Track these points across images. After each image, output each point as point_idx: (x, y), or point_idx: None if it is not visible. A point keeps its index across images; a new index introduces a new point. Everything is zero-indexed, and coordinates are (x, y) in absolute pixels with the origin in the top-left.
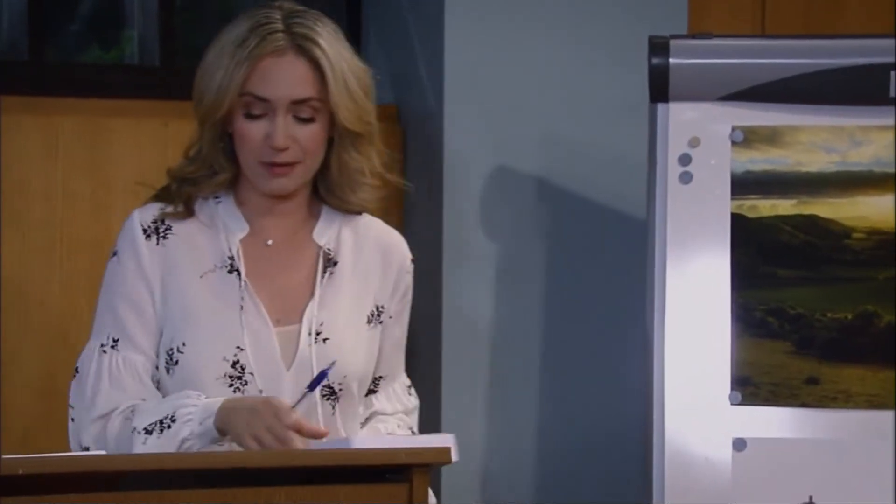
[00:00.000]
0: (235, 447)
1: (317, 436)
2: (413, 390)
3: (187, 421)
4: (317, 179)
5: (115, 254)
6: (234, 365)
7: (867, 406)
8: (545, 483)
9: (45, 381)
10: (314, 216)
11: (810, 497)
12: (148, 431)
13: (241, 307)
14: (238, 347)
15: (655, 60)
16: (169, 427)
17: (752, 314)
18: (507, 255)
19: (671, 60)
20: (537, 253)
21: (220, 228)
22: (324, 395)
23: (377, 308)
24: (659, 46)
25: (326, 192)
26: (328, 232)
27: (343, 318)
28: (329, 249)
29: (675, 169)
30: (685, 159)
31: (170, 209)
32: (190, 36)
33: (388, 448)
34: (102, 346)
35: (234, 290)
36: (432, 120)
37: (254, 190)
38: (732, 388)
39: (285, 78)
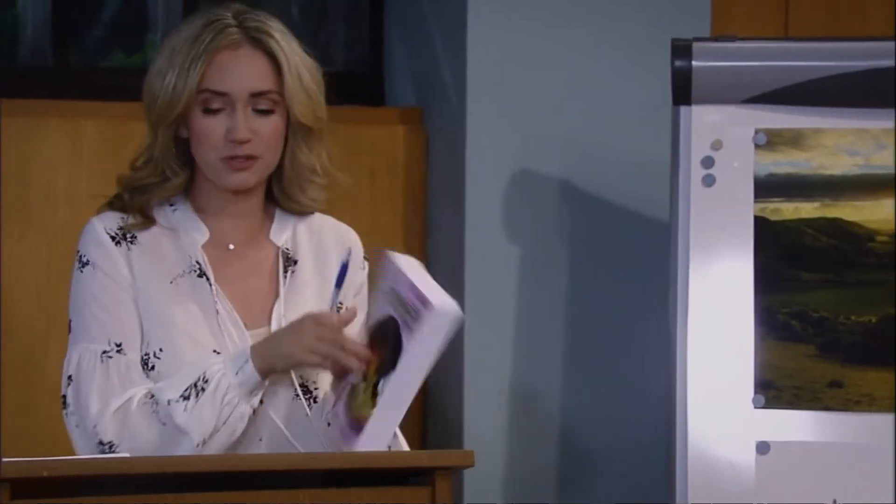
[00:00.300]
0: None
1: (358, 352)
2: None
3: (222, 375)
4: (270, 180)
5: (86, 263)
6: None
7: (890, 409)
8: (567, 485)
9: None
10: (269, 218)
11: (834, 501)
12: (185, 397)
13: (217, 311)
14: (214, 352)
15: (678, 63)
16: (203, 389)
17: (776, 317)
18: (529, 258)
19: (694, 63)
20: (560, 255)
21: (180, 234)
22: (297, 396)
23: (338, 305)
24: (682, 49)
25: (279, 192)
26: (285, 232)
27: None
28: (287, 249)
29: (697, 172)
30: (708, 162)
31: (130, 220)
32: None
33: (410, 452)
34: (105, 352)
35: (206, 294)
36: (455, 122)
37: (211, 193)
38: (756, 392)
39: (243, 71)
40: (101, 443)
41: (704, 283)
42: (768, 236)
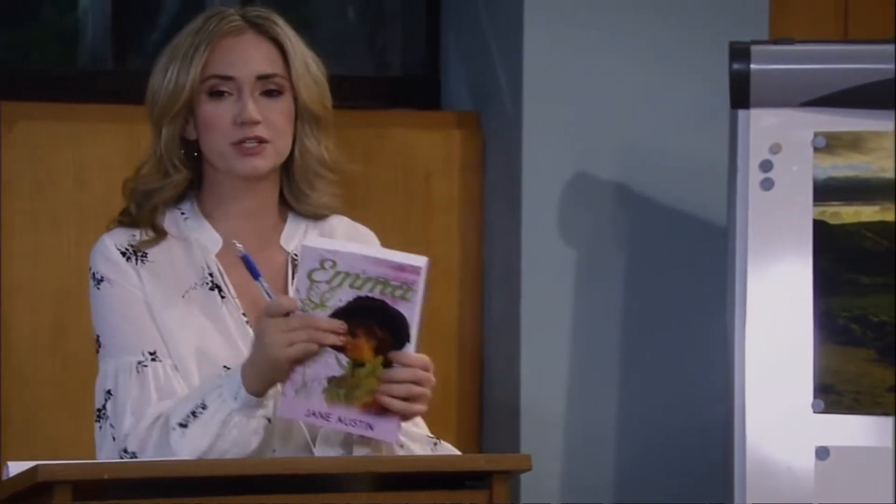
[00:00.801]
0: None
1: (332, 327)
2: None
3: (222, 402)
4: (282, 182)
5: (101, 279)
6: None
7: None
8: (624, 488)
9: None
10: (282, 221)
11: None
12: (182, 425)
13: (227, 326)
14: (224, 367)
15: (736, 66)
16: (202, 413)
17: (835, 321)
18: (586, 262)
19: (752, 66)
20: (617, 259)
21: (193, 244)
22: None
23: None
24: (740, 52)
25: (290, 191)
26: (296, 237)
27: None
28: (296, 255)
29: (756, 175)
30: (766, 165)
31: (141, 237)
32: None
33: (468, 456)
34: (140, 363)
35: (217, 308)
36: (511, 126)
37: (220, 191)
38: (815, 396)
39: (248, 54)
40: (125, 451)
41: (763, 287)
42: (827, 240)
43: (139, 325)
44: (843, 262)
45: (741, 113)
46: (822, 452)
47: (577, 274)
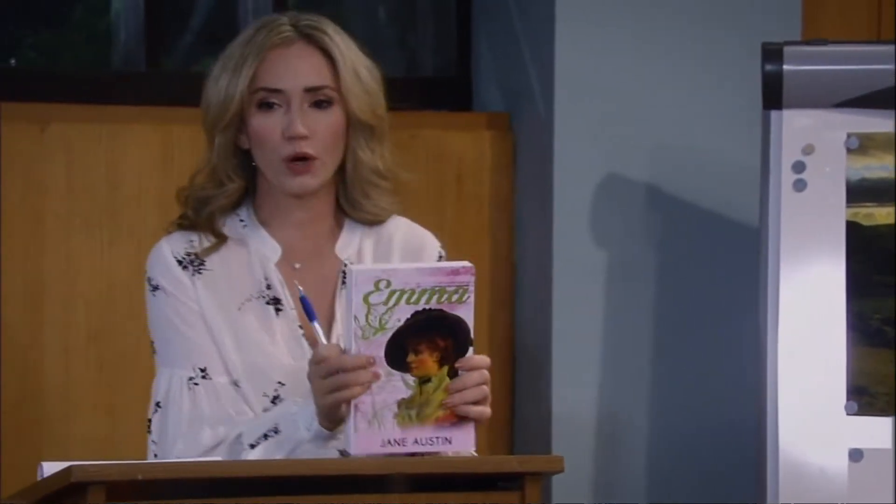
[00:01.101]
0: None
1: (358, 363)
2: None
3: (294, 430)
4: (338, 189)
5: (156, 287)
6: (273, 400)
7: None
8: (656, 489)
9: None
10: (338, 228)
11: None
12: (253, 446)
13: (281, 339)
14: (279, 383)
15: (769, 67)
16: (273, 436)
17: (868, 323)
18: (617, 263)
19: (785, 67)
20: (648, 261)
21: (251, 252)
22: None
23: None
24: (772, 53)
25: (345, 200)
26: (351, 245)
27: None
28: (346, 264)
29: (788, 176)
30: (799, 167)
31: (201, 243)
32: None
33: (500, 458)
34: (191, 378)
35: (272, 322)
36: (543, 128)
37: (274, 200)
38: (848, 398)
39: (297, 66)
40: None
41: (795, 288)
42: (860, 242)
43: (191, 338)
44: (876, 264)
45: (774, 114)
46: (855, 454)
47: (609, 274)
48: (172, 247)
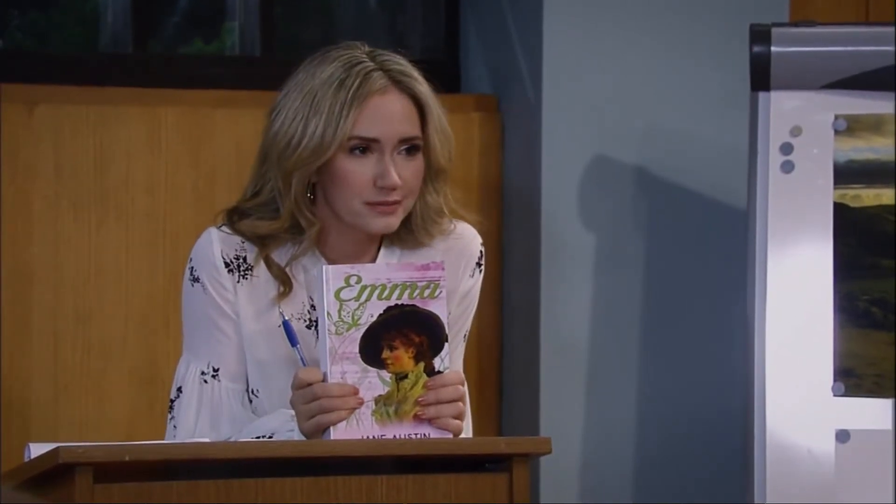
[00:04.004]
0: None
1: (344, 392)
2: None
3: (288, 437)
4: None
5: (196, 279)
6: None
7: None
8: (644, 472)
9: (149, 370)
10: (375, 252)
11: None
12: None
13: (317, 364)
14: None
15: (757, 49)
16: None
17: (856, 305)
18: (606, 247)
19: (773, 49)
20: (637, 244)
21: (301, 272)
22: None
23: None
24: (760, 34)
25: (405, 232)
26: (391, 259)
27: None
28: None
29: (776, 158)
30: (787, 148)
31: (250, 250)
32: (290, 27)
33: (488, 439)
34: (203, 373)
35: (309, 346)
36: (531, 110)
37: (344, 236)
38: (836, 380)
39: (393, 116)
40: None
41: (783, 270)
42: (848, 223)
43: (216, 337)
44: (863, 246)
45: (762, 96)
46: (842, 435)
47: (597, 258)
48: (223, 246)
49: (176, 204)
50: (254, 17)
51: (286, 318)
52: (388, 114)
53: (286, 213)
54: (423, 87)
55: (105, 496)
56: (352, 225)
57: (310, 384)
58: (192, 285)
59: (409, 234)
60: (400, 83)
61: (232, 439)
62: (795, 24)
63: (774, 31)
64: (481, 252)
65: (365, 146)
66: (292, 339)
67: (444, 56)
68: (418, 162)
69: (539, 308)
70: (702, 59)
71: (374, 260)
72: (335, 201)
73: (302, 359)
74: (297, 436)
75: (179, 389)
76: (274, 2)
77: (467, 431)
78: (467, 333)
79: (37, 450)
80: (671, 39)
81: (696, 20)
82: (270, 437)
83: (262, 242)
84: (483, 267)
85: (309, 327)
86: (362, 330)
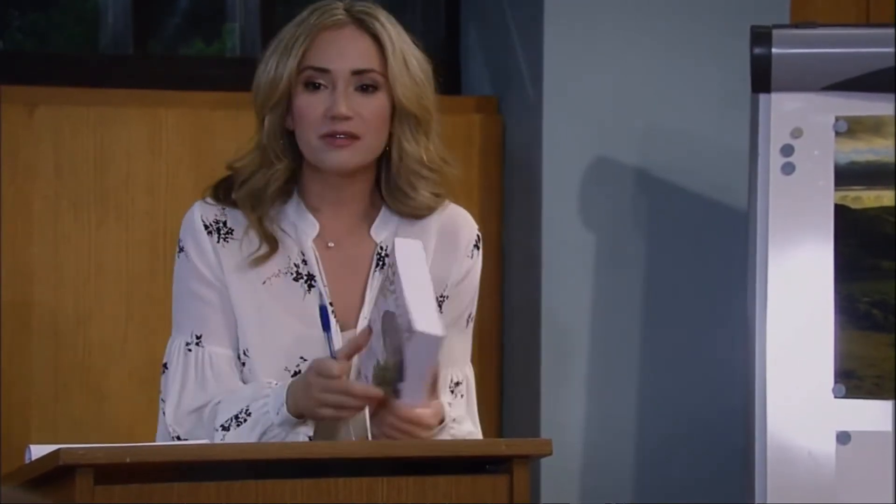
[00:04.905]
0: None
1: (368, 395)
2: (462, 387)
3: (264, 413)
4: (379, 177)
5: (181, 249)
6: (295, 375)
7: None
8: (645, 472)
9: (150, 370)
10: (375, 211)
11: None
12: (225, 428)
13: (308, 316)
14: (301, 358)
15: (757, 50)
16: (245, 421)
17: (856, 306)
18: (605, 246)
19: (773, 50)
20: (637, 244)
21: (288, 228)
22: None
23: (438, 298)
24: (761, 36)
25: (388, 190)
26: (386, 229)
27: None
28: (383, 247)
29: (777, 160)
30: (788, 150)
31: (228, 219)
32: None
33: (488, 441)
34: (187, 343)
35: (298, 298)
36: (532, 111)
37: (315, 183)
38: (836, 381)
39: (345, 48)
40: (170, 437)
41: (784, 272)
42: (849, 225)
43: (196, 304)
44: (864, 247)
45: (762, 97)
46: (843, 437)
47: (597, 259)
48: (203, 211)
49: (176, 204)
50: (254, 18)
51: (323, 301)
52: (340, 45)
53: (262, 150)
54: (385, 28)
55: (106, 497)
56: (314, 163)
57: (337, 377)
58: (178, 257)
59: (394, 193)
60: (360, 21)
61: (219, 402)
62: (796, 26)
63: (775, 32)
64: (478, 235)
65: (318, 80)
66: (326, 324)
67: (445, 57)
68: (377, 100)
69: (539, 308)
70: (702, 59)
71: (371, 222)
72: (299, 140)
73: (331, 347)
74: (271, 406)
75: (165, 365)
76: (274, 3)
77: (476, 428)
78: (472, 317)
79: (37, 451)
80: (671, 40)
81: (697, 21)
82: (247, 414)
83: (251, 205)
84: (481, 249)
85: (296, 280)
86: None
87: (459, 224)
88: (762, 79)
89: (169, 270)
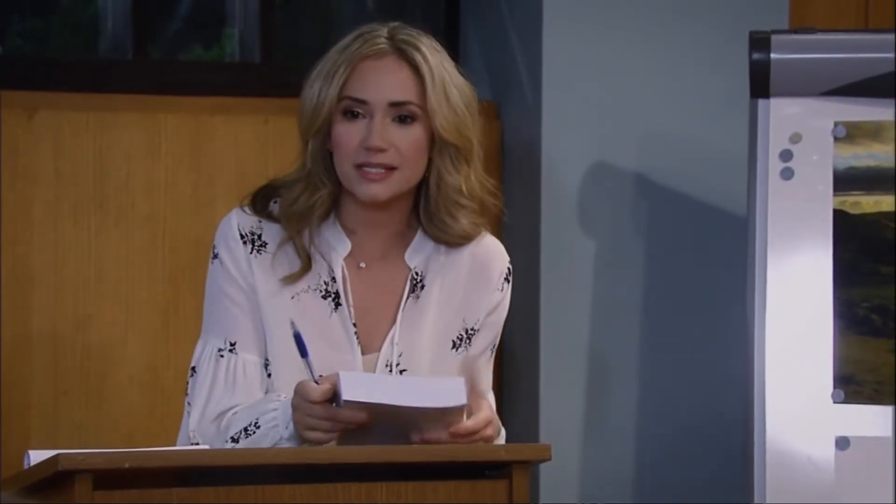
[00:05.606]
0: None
1: (353, 420)
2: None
3: (273, 427)
4: (418, 201)
5: (215, 256)
6: None
7: None
8: (644, 478)
9: (149, 375)
10: (411, 234)
11: None
12: (234, 440)
13: (334, 333)
14: (321, 376)
15: (756, 55)
16: (254, 433)
17: (855, 311)
18: (605, 252)
19: (772, 55)
20: (636, 249)
21: (321, 244)
22: None
23: (467, 331)
24: (760, 41)
25: (426, 217)
26: (422, 253)
27: (425, 347)
28: (418, 273)
29: (776, 165)
30: (786, 155)
31: (265, 232)
32: (290, 33)
33: (487, 446)
34: (220, 350)
35: (325, 317)
36: (531, 116)
37: (351, 202)
38: (835, 387)
39: (384, 79)
40: (190, 440)
41: (783, 277)
42: (848, 230)
43: (231, 312)
44: (863, 252)
45: (761, 102)
46: (842, 443)
47: (597, 264)
48: (241, 220)
49: (175, 209)
50: (253, 23)
51: (297, 329)
52: (378, 77)
53: (308, 174)
54: (426, 58)
55: (105, 503)
56: (349, 191)
57: (317, 402)
58: (212, 263)
59: (432, 220)
60: (401, 50)
61: (236, 412)
62: (795, 31)
63: (774, 38)
64: (509, 268)
65: (357, 110)
66: (303, 350)
67: None
68: (414, 132)
69: (539, 313)
70: (701, 64)
71: (406, 245)
72: (336, 167)
73: (311, 372)
74: (280, 420)
75: (193, 369)
76: (273, 8)
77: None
78: (495, 347)
79: (36, 457)
80: (671, 45)
81: (696, 26)
82: (256, 426)
83: (296, 226)
84: (511, 282)
85: (325, 297)
86: None
87: (492, 256)
88: (761, 84)
89: (168, 274)
